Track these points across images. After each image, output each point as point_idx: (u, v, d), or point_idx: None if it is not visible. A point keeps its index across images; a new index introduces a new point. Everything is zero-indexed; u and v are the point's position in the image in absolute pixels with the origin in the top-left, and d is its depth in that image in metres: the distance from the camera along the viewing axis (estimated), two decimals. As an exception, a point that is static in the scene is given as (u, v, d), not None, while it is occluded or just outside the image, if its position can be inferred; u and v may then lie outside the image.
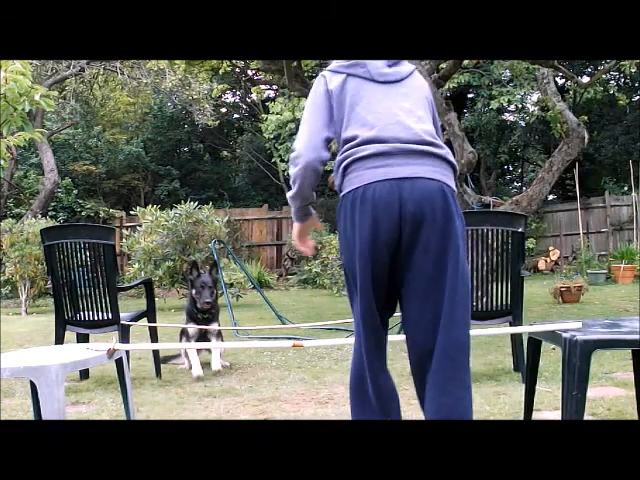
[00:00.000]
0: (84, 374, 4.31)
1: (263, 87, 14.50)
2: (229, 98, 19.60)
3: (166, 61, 8.97)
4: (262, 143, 16.24)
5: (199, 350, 4.44)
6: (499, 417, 2.95)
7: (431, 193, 1.90)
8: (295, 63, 7.18)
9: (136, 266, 8.82)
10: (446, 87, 9.04)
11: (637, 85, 16.40)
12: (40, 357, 2.45)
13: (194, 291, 4.43)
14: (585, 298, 7.97)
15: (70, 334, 4.27)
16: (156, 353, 4.33)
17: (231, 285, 9.09)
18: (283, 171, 15.14)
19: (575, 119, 7.55)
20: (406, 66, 2.10)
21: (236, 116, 19.85)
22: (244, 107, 19.72)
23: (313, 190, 2.05)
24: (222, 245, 8.38)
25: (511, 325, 3.92)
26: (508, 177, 20.23)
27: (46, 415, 2.22)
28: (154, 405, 3.48)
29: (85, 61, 12.32)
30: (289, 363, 4.64)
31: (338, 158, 2.01)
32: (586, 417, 2.35)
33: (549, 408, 3.06)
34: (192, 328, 4.42)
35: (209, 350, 4.47)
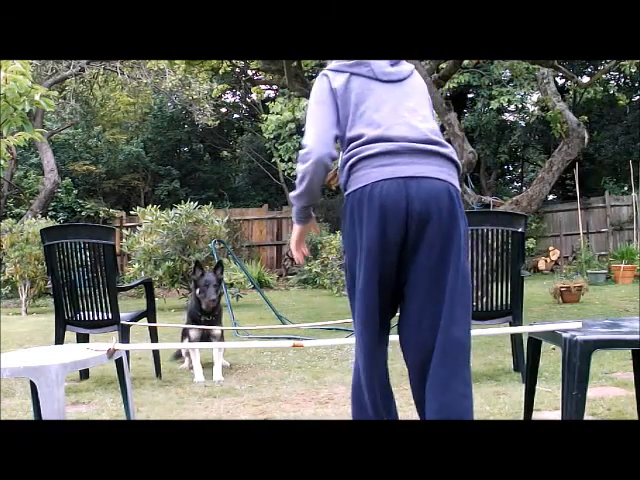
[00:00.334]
0: (84, 374, 4.31)
1: (263, 87, 14.50)
2: (229, 98, 19.61)
3: (166, 61, 8.97)
4: (262, 143, 16.24)
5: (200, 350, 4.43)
6: (499, 417, 2.95)
7: (437, 193, 1.91)
8: (295, 63, 7.18)
9: (136, 266, 8.82)
10: (446, 87, 9.05)
11: (637, 85, 16.40)
12: (40, 357, 2.45)
13: (198, 290, 4.33)
14: (585, 298, 7.97)
15: (70, 334, 4.27)
16: (156, 353, 4.32)
17: (231, 285, 9.09)
18: (283, 171, 15.14)
19: (575, 119, 7.55)
20: (406, 65, 2.11)
21: (236, 116, 19.85)
22: (244, 107, 19.73)
23: (321, 188, 2.04)
24: (222, 245, 8.38)
25: (511, 325, 3.92)
26: (508, 177, 20.24)
27: (46, 415, 2.22)
28: (154, 405, 3.48)
29: (85, 61, 12.32)
30: (289, 363, 4.63)
31: (343, 156, 2.01)
32: (586, 417, 2.35)
33: (549, 408, 3.06)
34: (194, 331, 4.36)
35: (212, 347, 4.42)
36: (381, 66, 2.03)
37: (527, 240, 12.01)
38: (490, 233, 3.90)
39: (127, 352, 3.25)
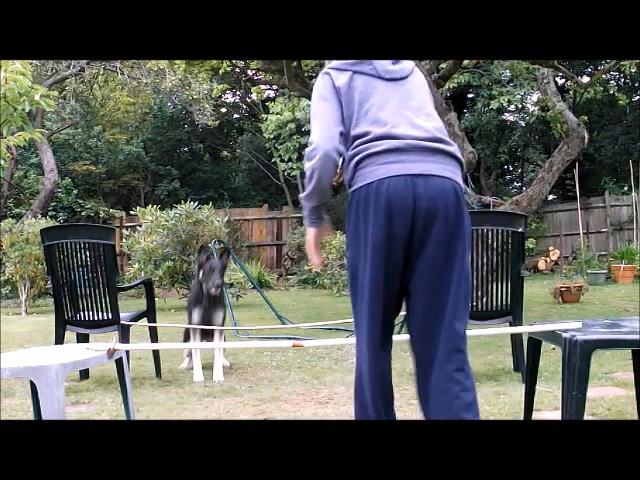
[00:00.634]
0: (84, 374, 4.31)
1: (263, 87, 14.49)
2: (229, 98, 19.61)
3: (166, 61, 8.97)
4: (262, 143, 16.24)
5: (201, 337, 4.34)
6: (499, 417, 2.95)
7: (444, 191, 1.92)
8: (295, 63, 7.18)
9: (136, 266, 8.82)
10: (446, 87, 9.05)
11: (637, 85, 16.40)
12: (40, 357, 2.45)
13: (202, 274, 4.20)
14: (585, 298, 7.97)
15: (70, 334, 4.27)
16: (156, 353, 4.32)
17: (231, 285, 9.09)
18: (283, 171, 15.14)
19: (575, 119, 7.55)
20: (408, 63, 2.12)
21: (236, 116, 19.85)
22: (244, 107, 19.72)
23: (330, 185, 2.03)
24: (222, 245, 8.37)
25: (511, 325, 3.92)
26: (508, 177, 20.24)
27: (46, 415, 2.22)
28: (154, 405, 3.48)
29: (85, 61, 12.32)
30: (289, 363, 4.63)
31: (349, 153, 2.00)
32: (586, 417, 2.35)
33: (549, 408, 3.06)
34: (197, 315, 4.22)
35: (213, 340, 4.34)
36: (384, 64, 2.03)
37: (527, 240, 12.00)
38: (490, 233, 3.90)
39: (127, 352, 3.26)
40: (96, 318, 4.14)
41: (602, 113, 16.09)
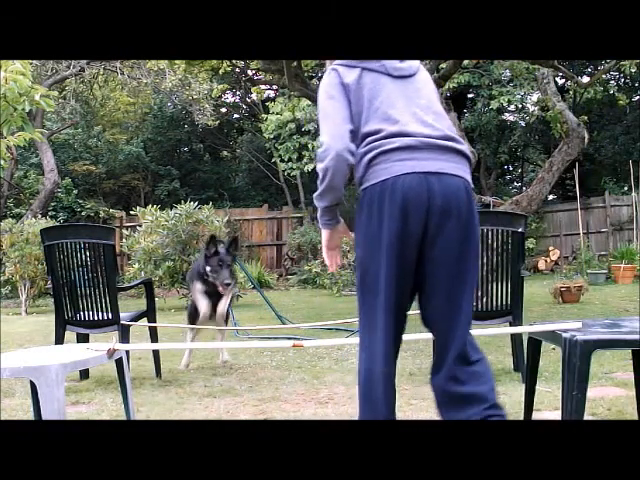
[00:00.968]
0: (84, 374, 4.31)
1: (263, 87, 14.48)
2: (229, 98, 19.60)
3: (166, 61, 8.97)
4: (262, 143, 16.23)
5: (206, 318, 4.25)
6: (499, 417, 2.95)
7: (456, 189, 1.93)
8: (295, 63, 7.18)
9: (136, 266, 8.82)
10: (446, 87, 9.04)
11: (637, 85, 16.40)
12: (40, 357, 2.45)
13: (209, 268, 3.99)
14: (585, 298, 7.97)
15: (70, 334, 4.27)
16: (156, 353, 4.32)
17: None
18: (283, 171, 15.13)
19: (575, 119, 7.55)
20: (414, 60, 2.11)
21: (236, 116, 19.85)
22: (244, 107, 19.72)
23: (344, 185, 2.01)
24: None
25: (511, 325, 3.92)
26: (508, 177, 20.23)
27: (46, 415, 2.22)
28: (154, 405, 3.48)
29: (85, 61, 12.32)
30: (289, 363, 4.63)
31: (360, 151, 1.98)
32: (586, 417, 2.35)
33: (549, 408, 3.06)
34: (204, 303, 4.02)
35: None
36: (392, 61, 2.03)
37: (527, 240, 12.00)
38: (490, 233, 3.90)
39: (127, 352, 3.25)
40: (96, 318, 4.14)
41: (602, 113, 16.10)
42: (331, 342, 5.08)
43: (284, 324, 6.53)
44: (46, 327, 6.53)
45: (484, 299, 3.96)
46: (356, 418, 2.04)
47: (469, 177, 2.01)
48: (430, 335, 2.04)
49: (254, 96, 14.79)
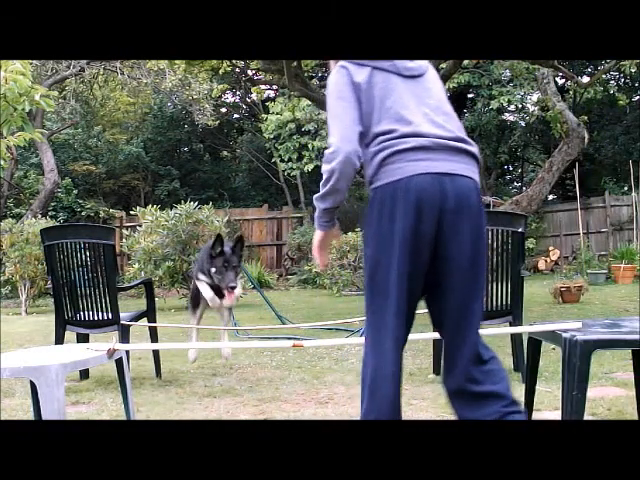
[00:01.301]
0: (84, 374, 4.31)
1: (263, 87, 14.47)
2: (229, 98, 19.60)
3: (166, 61, 8.97)
4: (262, 143, 16.23)
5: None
6: (499, 417, 2.94)
7: (468, 191, 1.93)
8: (295, 63, 7.18)
9: (136, 266, 8.82)
10: (446, 87, 9.04)
11: (637, 85, 16.40)
12: (40, 357, 2.45)
13: (214, 270, 3.72)
14: (585, 298, 7.97)
15: (70, 334, 4.27)
16: (156, 353, 4.32)
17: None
18: (283, 171, 15.13)
19: (575, 119, 7.56)
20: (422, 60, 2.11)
21: (236, 116, 19.84)
22: (244, 107, 19.71)
23: (347, 189, 1.99)
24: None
25: (511, 325, 3.92)
26: (508, 177, 20.23)
27: (46, 415, 2.22)
28: (154, 405, 3.48)
29: (85, 61, 12.32)
30: (289, 363, 4.63)
31: (371, 150, 1.96)
32: (586, 417, 2.35)
33: (549, 408, 3.06)
34: (208, 292, 3.80)
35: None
36: (403, 61, 2.01)
37: (527, 240, 12.00)
38: (490, 233, 3.89)
39: (127, 352, 3.25)
40: (96, 318, 4.14)
41: (602, 113, 16.09)
42: (331, 342, 5.08)
43: (284, 324, 6.53)
44: (46, 327, 6.53)
45: (484, 299, 3.96)
46: (356, 418, 2.03)
47: (478, 179, 2.01)
48: (430, 335, 2.04)
49: (254, 96, 14.79)
